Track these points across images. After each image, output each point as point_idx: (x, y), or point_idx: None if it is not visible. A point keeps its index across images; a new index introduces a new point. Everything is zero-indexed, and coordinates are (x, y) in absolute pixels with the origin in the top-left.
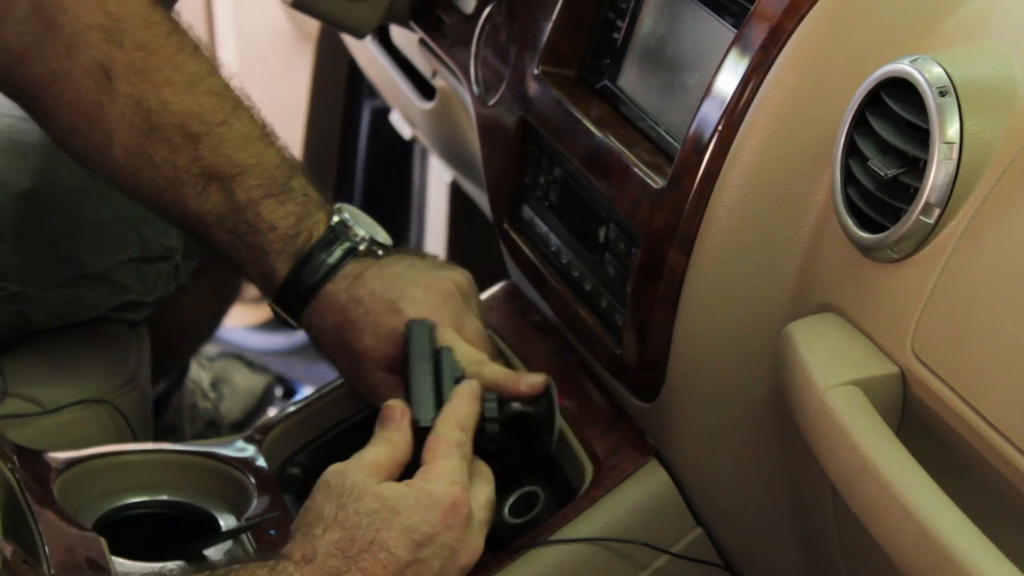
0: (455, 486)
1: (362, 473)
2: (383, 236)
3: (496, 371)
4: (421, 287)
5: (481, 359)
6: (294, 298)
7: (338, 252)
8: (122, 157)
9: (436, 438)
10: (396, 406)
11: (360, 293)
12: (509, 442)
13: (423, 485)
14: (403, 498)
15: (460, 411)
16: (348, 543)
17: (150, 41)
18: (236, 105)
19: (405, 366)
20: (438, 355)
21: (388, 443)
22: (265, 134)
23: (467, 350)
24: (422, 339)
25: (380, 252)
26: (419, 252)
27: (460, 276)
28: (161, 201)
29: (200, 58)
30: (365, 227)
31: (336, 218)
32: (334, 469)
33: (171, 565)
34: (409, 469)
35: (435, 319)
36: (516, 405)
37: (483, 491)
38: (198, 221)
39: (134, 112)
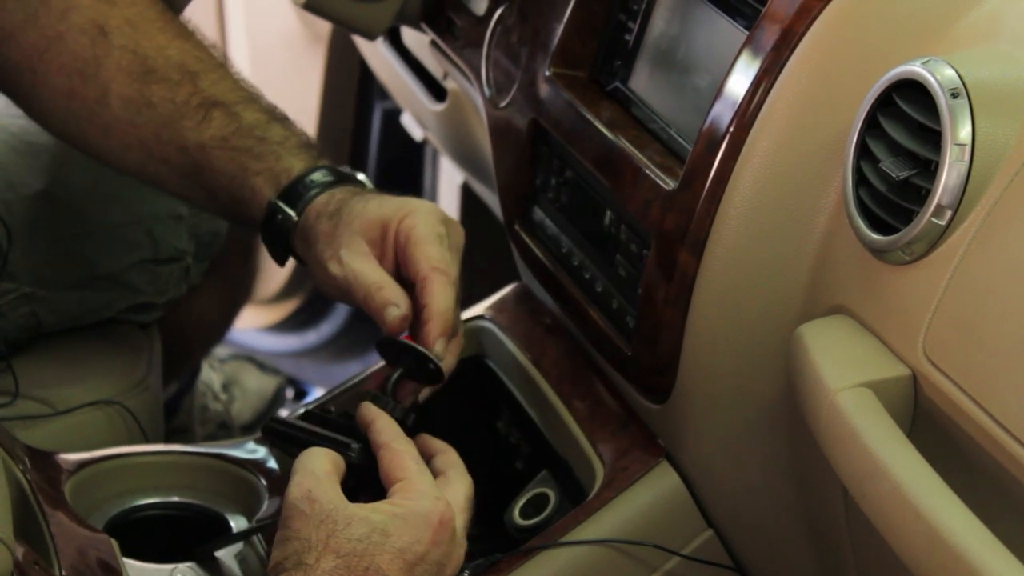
0: (439, 502)
1: (330, 492)
2: None
3: (386, 295)
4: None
5: (373, 283)
6: (299, 192)
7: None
8: (118, 107)
9: (399, 454)
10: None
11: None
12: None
13: (409, 504)
14: (391, 519)
15: (392, 425)
16: (345, 571)
17: (140, 0)
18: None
19: (292, 435)
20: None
21: (322, 449)
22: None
23: (368, 273)
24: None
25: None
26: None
27: (399, 202)
28: (157, 143)
29: (186, 22)
30: None
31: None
32: (300, 495)
33: (182, 567)
34: (367, 487)
35: (349, 237)
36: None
37: (461, 491)
38: (197, 149)
39: (130, 60)
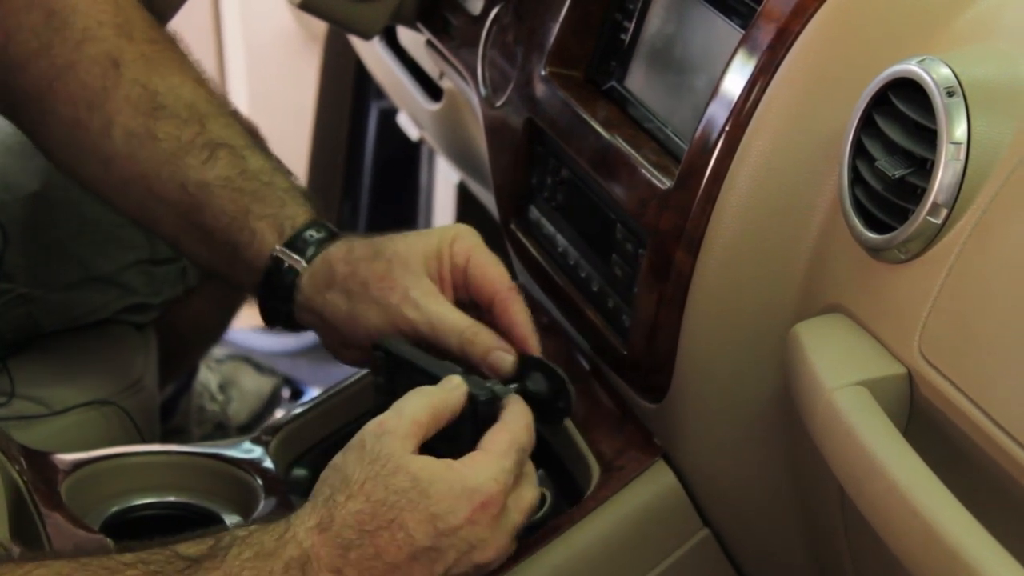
0: (495, 484)
1: (400, 438)
2: None
3: (485, 341)
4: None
5: (467, 328)
6: (306, 241)
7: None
8: (121, 140)
9: (505, 430)
10: (455, 377)
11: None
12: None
13: (463, 472)
14: (437, 482)
15: (525, 412)
16: (369, 517)
17: (160, 38)
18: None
19: (400, 370)
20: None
21: (435, 396)
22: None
23: (456, 318)
24: (407, 346)
25: None
26: None
27: (438, 231)
28: (157, 180)
29: (202, 69)
30: None
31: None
32: (372, 430)
33: None
34: (462, 439)
35: (413, 279)
36: (529, 384)
37: (527, 495)
38: (198, 187)
39: (140, 93)
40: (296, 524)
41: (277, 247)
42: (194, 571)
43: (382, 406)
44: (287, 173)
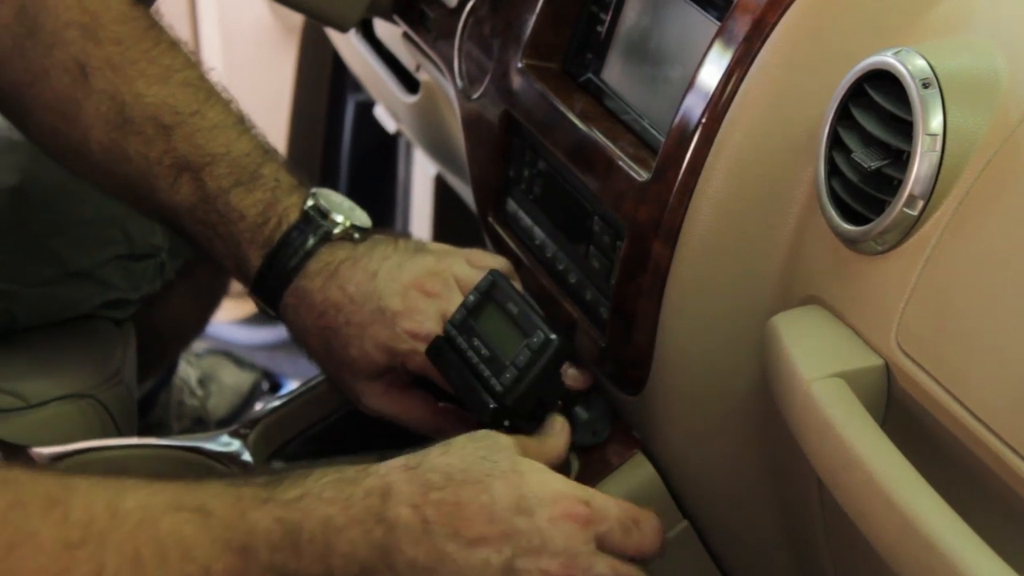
0: (585, 508)
1: (513, 441)
2: (361, 219)
3: None
4: (399, 295)
5: None
6: (269, 289)
7: (310, 240)
8: (99, 152)
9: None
10: (560, 420)
11: (336, 297)
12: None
13: (562, 480)
14: (537, 472)
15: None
16: (458, 470)
17: (126, 36)
18: (210, 95)
19: (492, 300)
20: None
21: (552, 448)
22: (239, 122)
23: None
24: (513, 290)
25: (356, 236)
26: (396, 236)
27: (433, 261)
28: (136, 195)
29: (176, 52)
30: (342, 211)
31: (310, 202)
32: (487, 430)
33: None
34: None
35: (424, 327)
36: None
37: (619, 566)
38: (172, 213)
39: (109, 107)
40: (380, 464)
41: (251, 295)
42: (278, 482)
43: (454, 319)
44: (247, 183)
